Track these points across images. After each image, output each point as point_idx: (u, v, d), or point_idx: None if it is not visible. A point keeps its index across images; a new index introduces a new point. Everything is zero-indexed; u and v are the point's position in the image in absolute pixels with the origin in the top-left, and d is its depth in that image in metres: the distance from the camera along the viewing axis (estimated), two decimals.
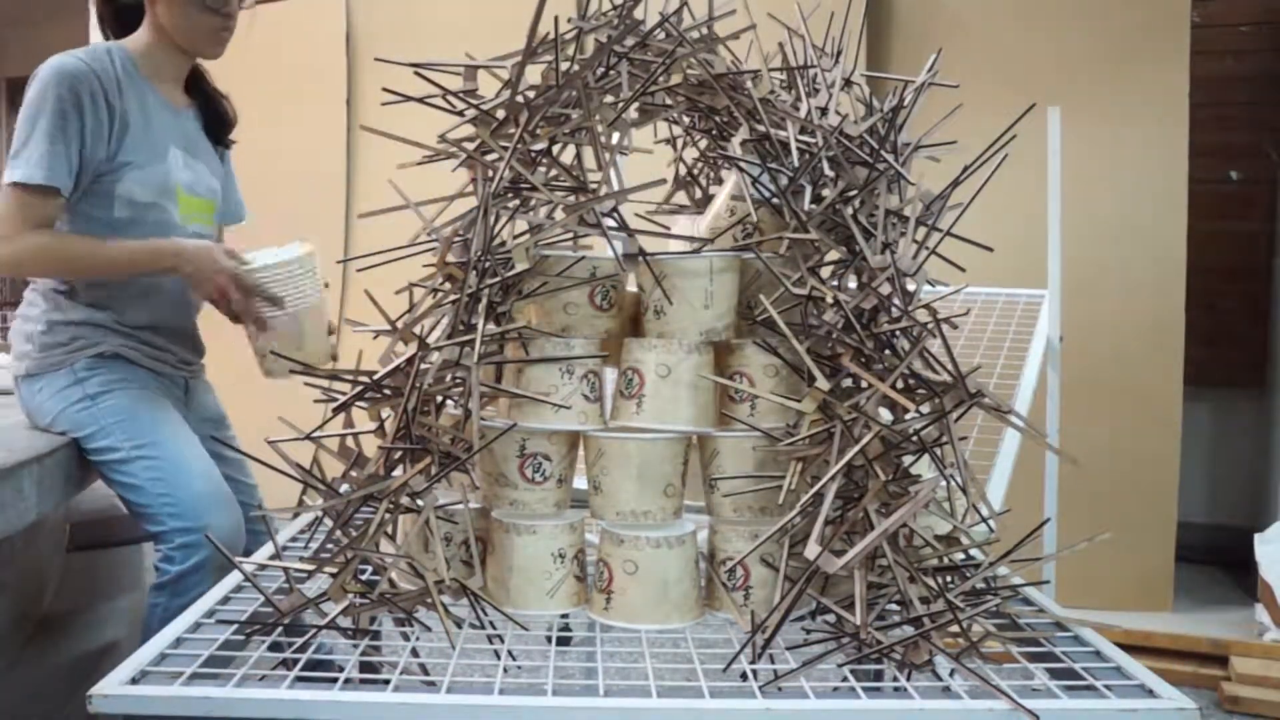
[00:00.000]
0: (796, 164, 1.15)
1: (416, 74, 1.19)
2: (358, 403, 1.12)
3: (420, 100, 1.17)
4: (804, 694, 0.94)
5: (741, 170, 1.19)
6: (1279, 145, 3.40)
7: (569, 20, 1.18)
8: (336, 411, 1.13)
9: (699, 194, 1.43)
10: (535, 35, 1.15)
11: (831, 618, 1.05)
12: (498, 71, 1.22)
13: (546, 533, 1.15)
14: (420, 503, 1.09)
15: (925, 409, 1.08)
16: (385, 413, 1.12)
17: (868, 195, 1.16)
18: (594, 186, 1.18)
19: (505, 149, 1.14)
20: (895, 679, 0.99)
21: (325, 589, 1.07)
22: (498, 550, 1.18)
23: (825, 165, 1.16)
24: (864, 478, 1.05)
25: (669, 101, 1.23)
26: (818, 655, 1.00)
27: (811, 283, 1.11)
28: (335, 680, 0.94)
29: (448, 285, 1.16)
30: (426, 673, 1.04)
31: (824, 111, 1.23)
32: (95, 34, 1.98)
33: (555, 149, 1.18)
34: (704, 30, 1.26)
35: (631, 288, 1.28)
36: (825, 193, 1.15)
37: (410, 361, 1.10)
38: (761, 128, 1.18)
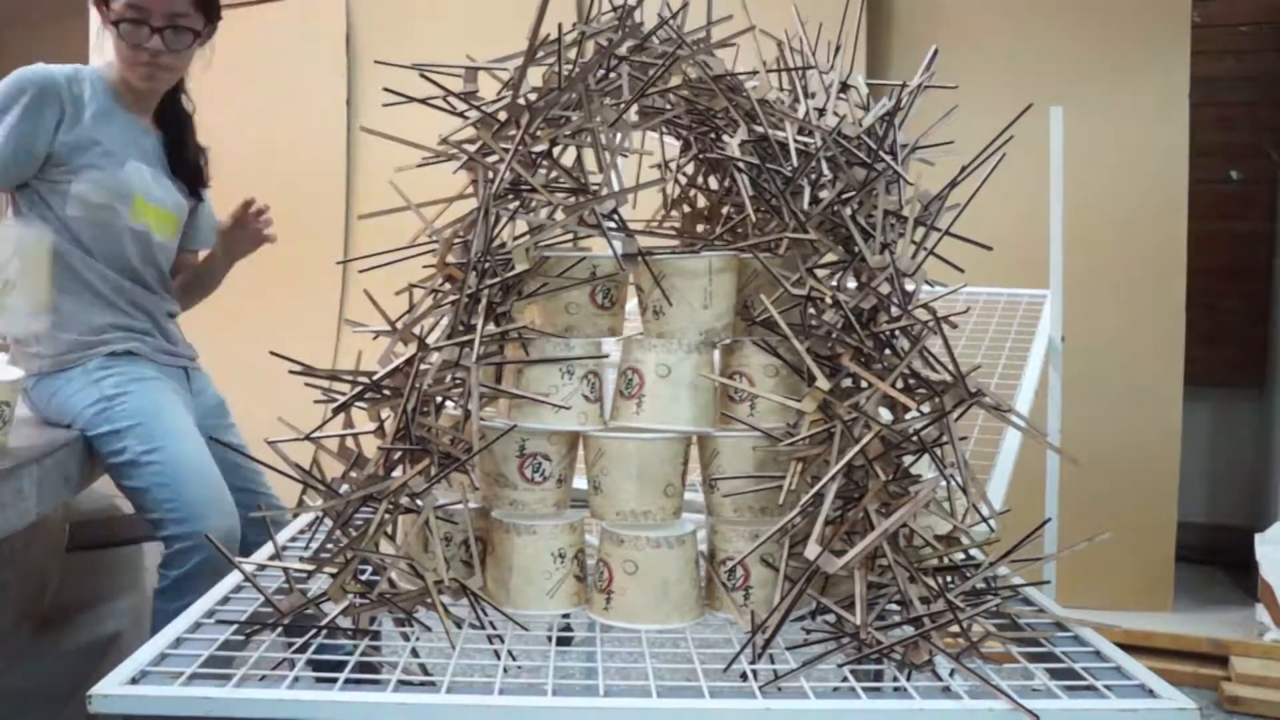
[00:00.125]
0: (795, 164, 1.15)
1: (419, 75, 1.19)
2: (357, 403, 1.12)
3: (421, 101, 1.17)
4: (804, 694, 0.94)
5: (740, 170, 1.19)
6: (1279, 145, 3.40)
7: (572, 25, 1.18)
8: (336, 412, 1.13)
9: (689, 210, 1.43)
10: (537, 37, 1.15)
11: (831, 618, 1.05)
12: (498, 73, 1.22)
13: (546, 533, 1.15)
14: (420, 503, 1.10)
15: (925, 409, 1.08)
16: (385, 413, 1.12)
17: (866, 196, 1.16)
18: (594, 188, 1.18)
19: (506, 151, 1.14)
20: (895, 679, 0.99)
21: (325, 589, 1.07)
22: (498, 550, 1.18)
23: (824, 166, 1.16)
24: (864, 478, 1.05)
25: (668, 104, 1.23)
26: (818, 655, 1.00)
27: (811, 283, 1.11)
28: (376, 682, 0.94)
29: (448, 286, 1.16)
30: (426, 673, 1.04)
31: (822, 112, 1.23)
32: (95, 34, 2.00)
33: (556, 151, 1.18)
34: (703, 33, 1.26)
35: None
36: (824, 194, 1.15)
37: (410, 362, 1.10)
38: (760, 129, 1.18)
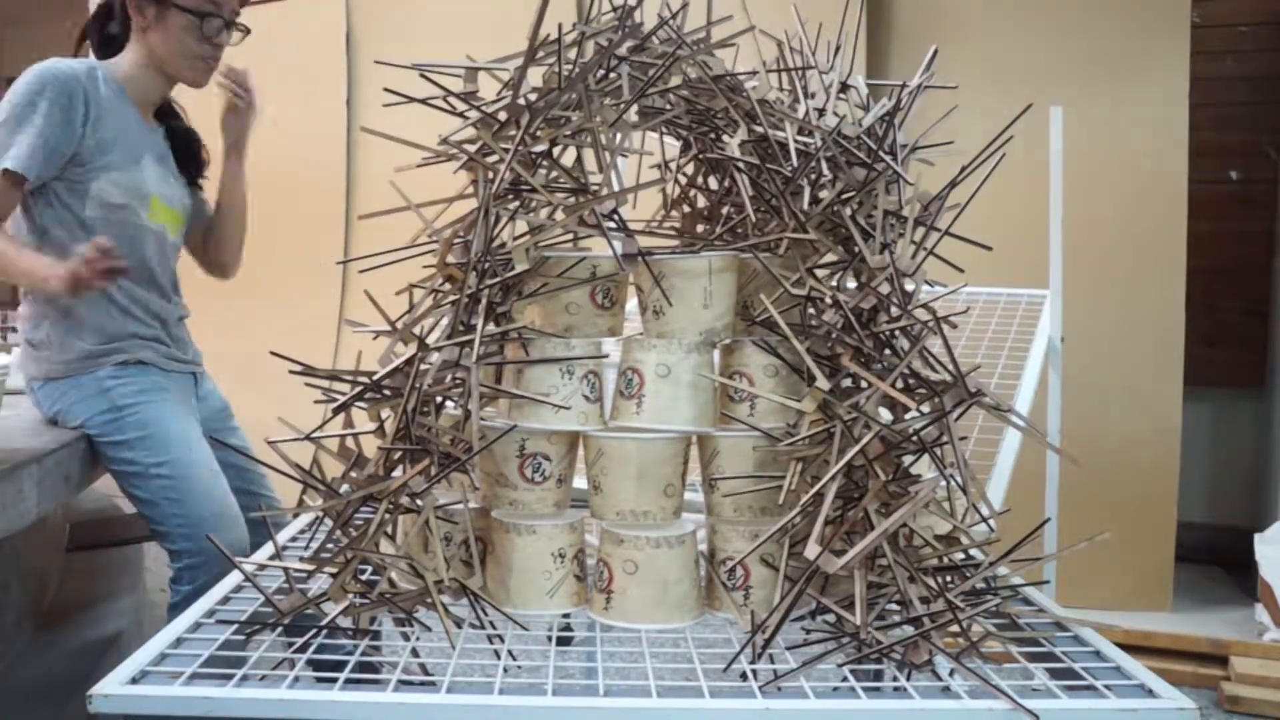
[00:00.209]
0: (795, 164, 1.15)
1: (419, 75, 1.19)
2: (357, 403, 1.12)
3: (421, 101, 1.17)
4: (804, 694, 0.94)
5: (740, 170, 1.19)
6: (1279, 145, 3.40)
7: (572, 25, 1.18)
8: (336, 412, 1.13)
9: (689, 211, 1.43)
10: (536, 37, 1.15)
11: (831, 618, 1.05)
12: (498, 73, 1.22)
13: (546, 533, 1.15)
14: (420, 503, 1.10)
15: (925, 409, 1.08)
16: (385, 413, 1.12)
17: (866, 196, 1.16)
18: (594, 188, 1.18)
19: (506, 151, 1.14)
20: (895, 679, 0.99)
21: (325, 589, 1.07)
22: (498, 550, 1.18)
23: (824, 166, 1.16)
24: (864, 478, 1.05)
25: (668, 104, 1.23)
26: (818, 655, 1.00)
27: (811, 283, 1.11)
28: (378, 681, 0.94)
29: (448, 286, 1.16)
30: (427, 673, 1.04)
31: (821, 112, 1.23)
32: (87, 36, 1.99)
33: (556, 151, 1.18)
34: (703, 33, 1.26)
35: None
36: (824, 194, 1.15)
37: (410, 362, 1.10)
38: (760, 129, 1.18)
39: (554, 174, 1.19)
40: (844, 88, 1.29)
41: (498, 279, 1.13)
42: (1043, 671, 1.01)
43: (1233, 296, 3.47)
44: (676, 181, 1.39)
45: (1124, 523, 2.83)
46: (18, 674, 1.96)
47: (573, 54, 1.17)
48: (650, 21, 1.23)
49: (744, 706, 0.91)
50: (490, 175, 1.15)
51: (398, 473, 1.10)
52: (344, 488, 1.10)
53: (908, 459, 1.08)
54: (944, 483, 1.09)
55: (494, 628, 1.09)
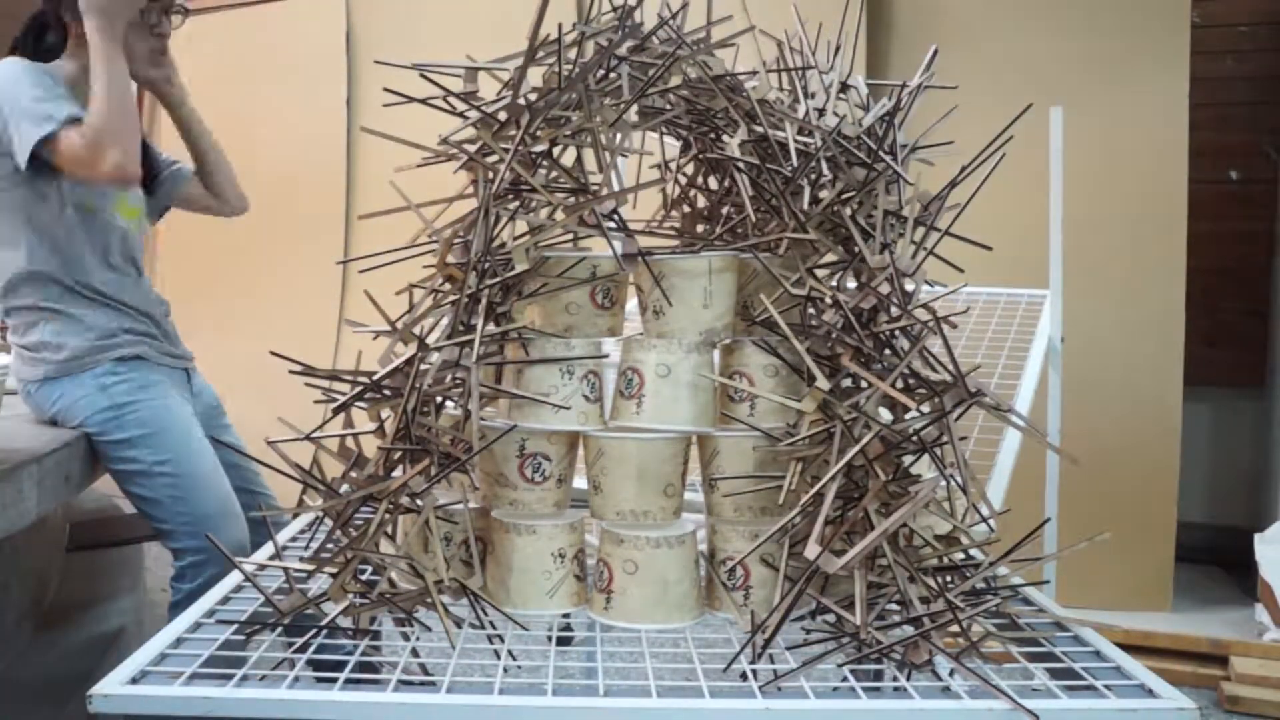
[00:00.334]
0: (795, 164, 1.15)
1: (420, 75, 1.19)
2: (357, 403, 1.12)
3: (421, 101, 1.17)
4: (804, 694, 0.94)
5: (740, 170, 1.19)
6: (1279, 145, 3.40)
7: (572, 25, 1.18)
8: (336, 412, 1.13)
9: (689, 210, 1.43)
10: (536, 37, 1.15)
11: (831, 618, 1.05)
12: (498, 73, 1.22)
13: (546, 533, 1.15)
14: (420, 503, 1.10)
15: (925, 409, 1.08)
16: (385, 413, 1.12)
17: (866, 196, 1.16)
18: (594, 188, 1.18)
19: (506, 151, 1.14)
20: (895, 679, 0.99)
21: (325, 589, 1.07)
22: (498, 550, 1.18)
23: (824, 166, 1.16)
24: (864, 478, 1.05)
25: (668, 104, 1.23)
26: (818, 655, 1.00)
27: (811, 283, 1.11)
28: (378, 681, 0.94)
29: (448, 286, 1.16)
30: (427, 673, 1.04)
31: (821, 112, 1.23)
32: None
33: (556, 151, 1.18)
34: (703, 33, 1.26)
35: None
36: (824, 194, 1.15)
37: (410, 362, 1.10)
38: (760, 129, 1.18)
39: (554, 174, 1.19)
40: (844, 88, 1.29)
41: (498, 279, 1.13)
42: (1043, 671, 1.01)
43: (1233, 296, 3.47)
44: (676, 181, 1.39)
45: (1124, 523, 2.83)
46: (18, 674, 1.96)
47: (573, 54, 1.17)
48: (650, 21, 1.23)
49: (744, 706, 0.91)
50: (490, 175, 1.15)
51: (398, 473, 1.10)
52: (344, 488, 1.10)
53: (908, 459, 1.08)
54: (944, 483, 1.09)
55: (494, 628, 1.09)
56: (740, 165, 1.19)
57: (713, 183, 1.39)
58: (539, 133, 1.15)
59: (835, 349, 1.10)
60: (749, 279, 1.24)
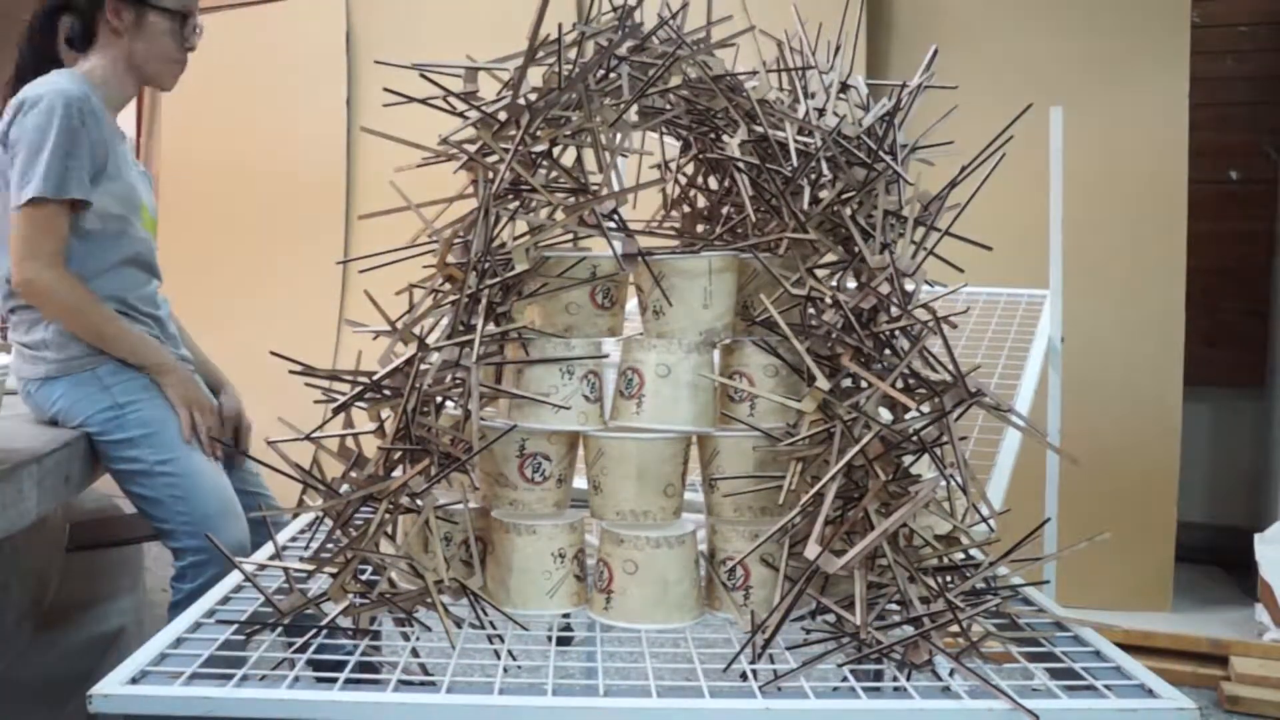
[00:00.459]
0: (795, 164, 1.15)
1: (419, 75, 1.19)
2: (357, 403, 1.12)
3: (421, 101, 1.17)
4: (804, 694, 0.94)
5: (740, 170, 1.19)
6: (1279, 145, 3.40)
7: (572, 25, 1.18)
8: (336, 412, 1.13)
9: (689, 210, 1.43)
10: (536, 37, 1.15)
11: (831, 618, 1.05)
12: (498, 73, 1.22)
13: (546, 533, 1.15)
14: (420, 503, 1.10)
15: (925, 409, 1.08)
16: (385, 413, 1.12)
17: (866, 196, 1.16)
18: (594, 188, 1.18)
19: (506, 151, 1.14)
20: (895, 679, 0.99)
21: (325, 589, 1.07)
22: (498, 550, 1.18)
23: (824, 166, 1.16)
24: (864, 478, 1.05)
25: (668, 104, 1.23)
26: (818, 655, 1.00)
27: (811, 283, 1.11)
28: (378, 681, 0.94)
29: (448, 286, 1.16)
30: (427, 673, 1.04)
31: (821, 112, 1.23)
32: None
33: (556, 151, 1.18)
34: (703, 33, 1.26)
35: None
36: (824, 194, 1.15)
37: (410, 362, 1.10)
38: (760, 129, 1.18)
39: (554, 174, 1.19)
40: (844, 88, 1.29)
41: (498, 279, 1.13)
42: (1043, 671, 1.01)
43: (1233, 296, 3.47)
44: (676, 181, 1.39)
45: (1124, 523, 2.83)
46: (18, 674, 1.95)
47: (573, 54, 1.17)
48: (650, 21, 1.23)
49: (744, 706, 0.91)
50: (490, 175, 1.15)
51: (398, 473, 1.10)
52: (344, 488, 1.10)
53: (908, 459, 1.08)
54: (944, 483, 1.09)
55: (494, 628, 1.09)
56: (740, 165, 1.19)
57: (713, 183, 1.39)
58: (539, 133, 1.15)
59: (835, 349, 1.10)
60: (749, 279, 1.24)
